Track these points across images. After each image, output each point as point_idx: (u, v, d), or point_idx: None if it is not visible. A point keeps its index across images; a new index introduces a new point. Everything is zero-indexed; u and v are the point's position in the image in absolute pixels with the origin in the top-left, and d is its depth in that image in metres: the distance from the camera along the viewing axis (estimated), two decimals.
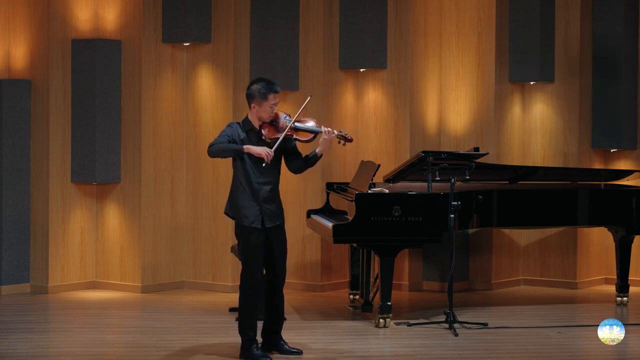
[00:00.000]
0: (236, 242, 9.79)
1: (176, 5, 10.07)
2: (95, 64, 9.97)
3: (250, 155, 7.15)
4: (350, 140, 7.42)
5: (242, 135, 7.20)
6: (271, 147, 7.16)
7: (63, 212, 10.04)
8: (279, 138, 7.19)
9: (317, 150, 7.34)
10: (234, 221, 7.39)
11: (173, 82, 10.29)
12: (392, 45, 10.25)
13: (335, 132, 7.34)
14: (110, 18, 10.15)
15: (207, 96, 10.26)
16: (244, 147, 7.10)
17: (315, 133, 7.34)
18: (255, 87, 7.21)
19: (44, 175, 9.95)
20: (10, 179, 9.92)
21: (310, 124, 7.38)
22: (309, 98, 7.42)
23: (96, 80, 9.98)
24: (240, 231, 7.27)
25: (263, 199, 7.20)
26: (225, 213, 7.40)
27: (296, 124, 7.29)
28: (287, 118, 7.29)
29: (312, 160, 7.37)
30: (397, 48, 10.24)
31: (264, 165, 7.11)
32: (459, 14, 10.51)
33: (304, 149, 7.56)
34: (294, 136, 7.29)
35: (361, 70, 10.36)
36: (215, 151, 7.14)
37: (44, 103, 9.96)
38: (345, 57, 10.28)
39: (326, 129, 7.32)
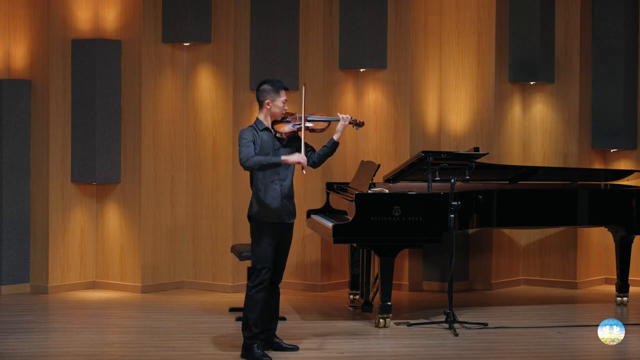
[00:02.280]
0: (236, 242, 9.84)
1: (176, 5, 10.07)
2: (95, 64, 9.97)
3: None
4: (362, 124, 7.70)
5: (258, 134, 7.33)
6: (292, 145, 7.39)
7: (63, 212, 10.04)
8: (294, 132, 7.36)
9: (334, 137, 7.51)
10: (249, 222, 7.41)
11: (173, 82, 10.29)
12: (392, 45, 10.25)
13: (349, 118, 7.59)
14: (110, 18, 10.15)
15: (207, 96, 10.26)
16: (282, 158, 7.21)
17: (329, 121, 7.55)
18: (266, 85, 7.39)
19: (44, 175, 9.95)
20: (10, 179, 9.92)
21: (318, 113, 7.65)
22: (304, 88, 7.52)
23: (96, 80, 9.98)
24: (258, 228, 7.31)
25: (285, 195, 7.34)
26: (249, 215, 7.40)
27: (309, 117, 7.47)
28: (297, 115, 7.46)
29: (332, 148, 7.52)
30: (397, 48, 10.24)
31: (303, 172, 7.27)
32: (459, 14, 10.51)
33: (316, 142, 7.66)
34: (310, 127, 7.44)
35: (361, 70, 10.37)
36: (252, 164, 7.18)
37: (44, 103, 9.96)
38: (345, 57, 10.28)
39: (341, 116, 7.56)
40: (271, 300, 7.47)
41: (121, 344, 7.89)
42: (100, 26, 10.18)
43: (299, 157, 7.22)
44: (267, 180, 7.29)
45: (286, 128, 7.36)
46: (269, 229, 7.30)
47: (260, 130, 7.32)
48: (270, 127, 7.36)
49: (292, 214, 7.43)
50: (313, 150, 7.52)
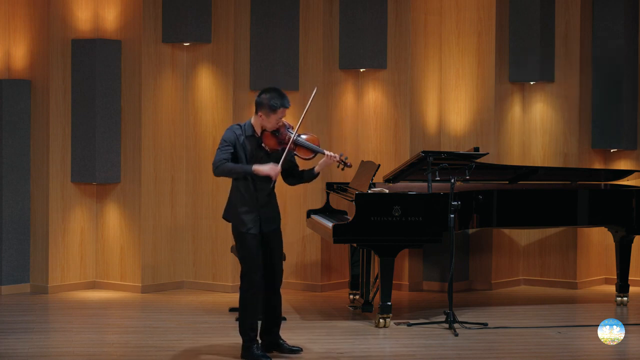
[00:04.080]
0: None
1: (176, 5, 10.07)
2: (95, 64, 9.97)
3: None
4: (350, 166, 7.38)
5: (242, 139, 7.18)
6: (275, 161, 7.16)
7: (63, 212, 10.04)
8: (278, 150, 7.17)
9: (315, 170, 7.37)
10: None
11: (173, 82, 10.29)
12: (392, 45, 10.25)
13: (337, 156, 7.32)
14: (110, 18, 10.16)
15: (207, 96, 10.26)
16: (253, 168, 7.07)
17: (316, 153, 7.30)
18: (266, 97, 7.14)
19: (44, 175, 9.95)
20: (10, 179, 9.92)
21: (310, 139, 7.30)
22: (314, 91, 7.38)
23: (96, 80, 9.98)
24: (238, 235, 7.28)
25: (261, 204, 7.22)
26: (224, 217, 7.40)
27: (298, 139, 7.23)
28: (290, 130, 7.24)
29: (309, 178, 7.41)
30: (397, 48, 10.24)
31: (271, 185, 7.12)
32: (459, 14, 10.51)
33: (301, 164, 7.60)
34: (295, 152, 7.26)
35: (361, 70, 10.36)
36: (222, 172, 7.11)
37: (44, 103, 9.96)
38: (345, 57, 10.28)
39: (329, 153, 7.30)
40: (273, 305, 7.45)
41: (121, 344, 7.90)
42: (100, 26, 10.18)
43: (270, 170, 7.06)
44: (244, 189, 7.17)
45: (272, 144, 7.15)
46: (250, 238, 7.21)
47: (247, 136, 7.18)
48: (259, 134, 7.19)
49: (273, 219, 7.29)
50: (296, 167, 7.40)
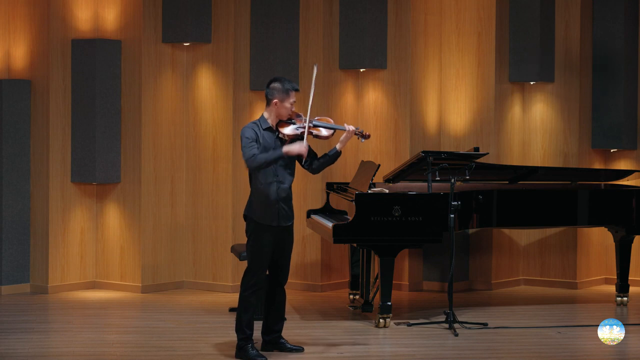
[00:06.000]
0: (236, 242, 9.84)
1: (176, 5, 10.08)
2: (95, 64, 9.97)
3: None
4: (368, 137, 7.58)
5: (261, 132, 7.29)
6: (288, 141, 7.34)
7: (63, 212, 10.04)
8: (297, 135, 7.32)
9: (337, 147, 7.47)
10: (245, 221, 7.39)
11: (173, 82, 10.29)
12: (392, 45, 10.25)
13: (356, 129, 7.50)
14: (110, 18, 10.16)
15: (207, 96, 10.26)
16: (283, 150, 7.18)
17: (335, 129, 7.48)
18: (276, 84, 7.33)
19: (44, 175, 9.95)
20: (10, 179, 9.92)
21: (324, 119, 7.56)
22: (315, 68, 7.45)
23: (96, 80, 9.98)
24: (254, 229, 7.30)
25: (281, 198, 7.29)
26: (245, 215, 7.39)
27: (314, 121, 7.41)
28: (302, 117, 7.41)
29: (333, 157, 7.48)
30: (397, 48, 10.24)
31: (303, 162, 7.33)
32: (459, 14, 10.52)
33: (320, 148, 7.65)
34: (314, 132, 7.38)
35: (361, 70, 10.37)
36: (257, 164, 7.17)
37: (44, 103, 9.96)
38: (345, 57, 10.28)
39: (348, 127, 7.48)
40: (277, 303, 7.48)
41: (121, 344, 7.90)
42: (100, 26, 10.18)
43: (300, 147, 7.20)
44: (265, 181, 7.27)
45: (289, 130, 7.30)
46: (266, 232, 7.28)
47: (263, 129, 7.29)
48: (275, 127, 7.33)
49: (289, 216, 7.39)
50: (315, 156, 7.49)
